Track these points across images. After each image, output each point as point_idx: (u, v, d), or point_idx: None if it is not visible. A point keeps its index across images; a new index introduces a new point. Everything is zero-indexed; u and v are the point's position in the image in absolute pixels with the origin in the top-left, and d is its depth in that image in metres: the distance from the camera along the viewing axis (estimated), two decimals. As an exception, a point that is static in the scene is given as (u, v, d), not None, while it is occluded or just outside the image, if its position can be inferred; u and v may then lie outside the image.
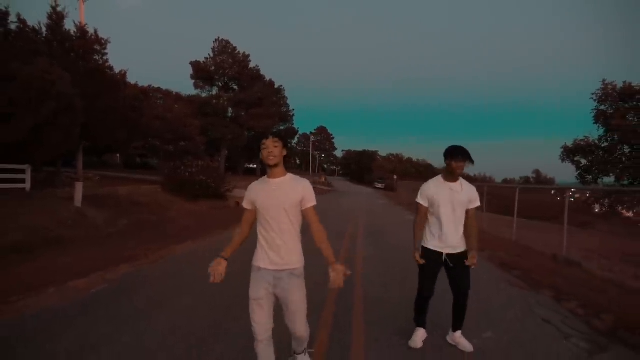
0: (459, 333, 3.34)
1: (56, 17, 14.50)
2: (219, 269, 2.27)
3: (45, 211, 11.31)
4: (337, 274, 2.21)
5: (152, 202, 17.05)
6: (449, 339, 3.41)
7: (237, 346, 3.22)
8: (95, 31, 14.93)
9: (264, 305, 2.35)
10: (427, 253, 3.29)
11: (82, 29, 14.85)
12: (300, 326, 2.41)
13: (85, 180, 14.81)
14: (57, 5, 14.59)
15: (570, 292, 4.88)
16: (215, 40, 34.73)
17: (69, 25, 15.02)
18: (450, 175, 3.21)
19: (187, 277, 5.67)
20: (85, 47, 14.49)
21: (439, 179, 3.31)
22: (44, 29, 14.12)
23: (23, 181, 12.72)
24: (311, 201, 2.40)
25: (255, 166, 49.63)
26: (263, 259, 2.36)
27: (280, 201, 2.32)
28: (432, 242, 3.27)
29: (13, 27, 12.28)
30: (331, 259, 2.29)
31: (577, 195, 17.32)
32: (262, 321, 2.34)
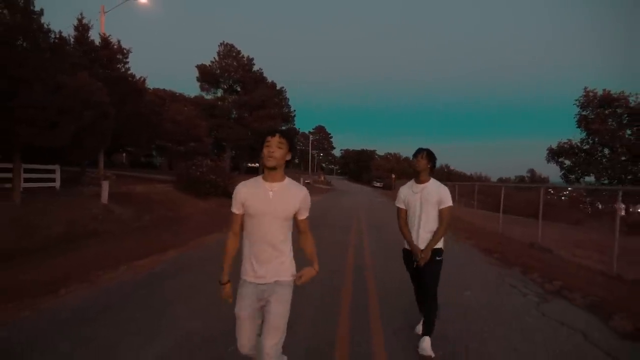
0: (427, 339, 3.20)
1: (82, 29, 15.75)
2: (226, 292, 2.30)
3: (77, 207, 12.55)
4: (308, 273, 2.24)
5: (166, 200, 18.31)
6: (417, 329, 3.54)
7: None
8: (119, 41, 16.19)
9: (248, 325, 2.23)
10: (406, 254, 3.48)
11: (105, 40, 16.08)
12: (271, 343, 2.09)
13: (105, 179, 15.98)
14: (82, 18, 15.85)
15: (535, 268, 6.18)
16: (221, 44, 36.17)
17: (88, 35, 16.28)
18: (415, 175, 3.40)
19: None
20: (109, 57, 15.73)
21: (412, 182, 3.46)
22: (71, 40, 15.35)
23: (53, 180, 14.00)
24: (306, 213, 2.25)
25: (257, 165, 50.83)
26: (249, 272, 2.19)
27: (278, 210, 2.11)
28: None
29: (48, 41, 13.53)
30: (315, 260, 2.33)
31: (574, 194, 18.60)
32: (245, 337, 2.24)
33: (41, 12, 11.56)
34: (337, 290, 4.96)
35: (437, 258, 3.25)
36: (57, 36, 12.07)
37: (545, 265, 6.44)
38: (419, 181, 3.36)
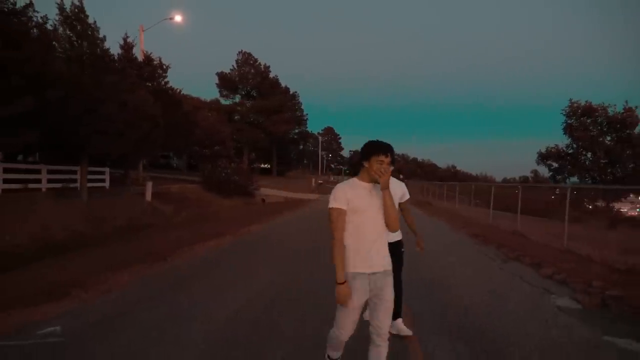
0: (400, 320, 3.62)
1: (127, 47, 18.05)
2: (346, 292, 2.24)
3: (128, 204, 14.82)
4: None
5: (196, 198, 20.58)
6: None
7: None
8: (160, 59, 18.49)
9: (356, 314, 2.36)
10: None
11: (148, 57, 18.38)
12: (388, 323, 2.40)
13: (148, 180, 18.17)
14: (127, 37, 18.16)
15: (507, 245, 8.24)
16: (239, 52, 38.79)
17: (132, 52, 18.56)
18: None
19: (275, 241, 9.10)
20: (151, 72, 18.02)
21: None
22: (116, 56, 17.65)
23: (104, 180, 16.29)
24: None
25: (268, 166, 53.06)
26: (360, 264, 2.31)
27: (379, 204, 2.34)
28: None
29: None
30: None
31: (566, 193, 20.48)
32: (351, 325, 2.36)
33: (104, 39, 13.86)
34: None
35: (402, 249, 3.64)
36: (119, 58, 14.36)
37: (515, 244, 8.50)
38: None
